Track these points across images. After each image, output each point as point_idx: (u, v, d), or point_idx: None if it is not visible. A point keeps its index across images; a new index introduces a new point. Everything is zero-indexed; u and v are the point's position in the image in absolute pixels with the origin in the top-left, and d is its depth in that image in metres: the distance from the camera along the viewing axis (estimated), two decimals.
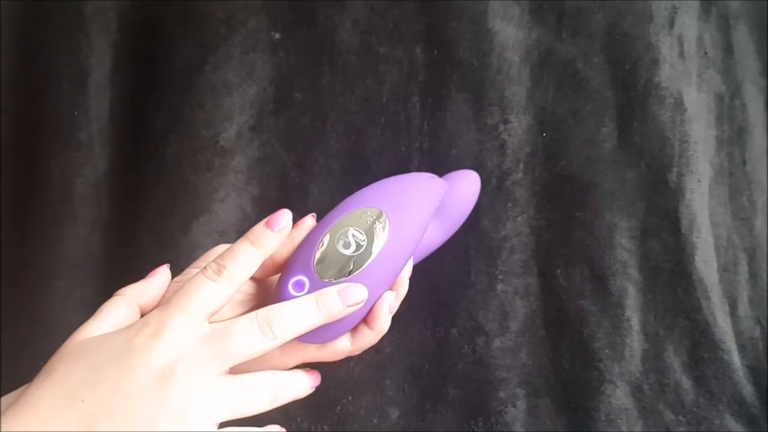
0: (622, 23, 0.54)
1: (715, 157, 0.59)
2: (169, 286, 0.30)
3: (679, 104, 0.54)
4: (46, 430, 0.23)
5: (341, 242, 0.30)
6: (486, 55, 0.52)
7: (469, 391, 0.51)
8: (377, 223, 0.30)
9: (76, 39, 0.53)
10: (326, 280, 0.29)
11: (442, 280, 0.52)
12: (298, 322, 0.27)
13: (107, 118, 0.54)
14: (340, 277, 0.29)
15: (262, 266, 0.29)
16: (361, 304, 0.29)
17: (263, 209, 0.52)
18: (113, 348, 0.25)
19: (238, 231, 0.52)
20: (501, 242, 0.52)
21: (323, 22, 0.53)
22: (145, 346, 0.25)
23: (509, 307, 0.52)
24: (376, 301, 0.30)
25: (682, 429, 0.51)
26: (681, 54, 0.55)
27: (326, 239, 0.30)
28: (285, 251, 0.31)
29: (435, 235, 0.39)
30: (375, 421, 0.50)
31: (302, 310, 0.27)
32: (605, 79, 0.54)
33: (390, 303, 0.30)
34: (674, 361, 0.54)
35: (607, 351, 0.52)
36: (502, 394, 0.51)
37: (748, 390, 0.54)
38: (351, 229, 0.30)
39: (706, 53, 0.58)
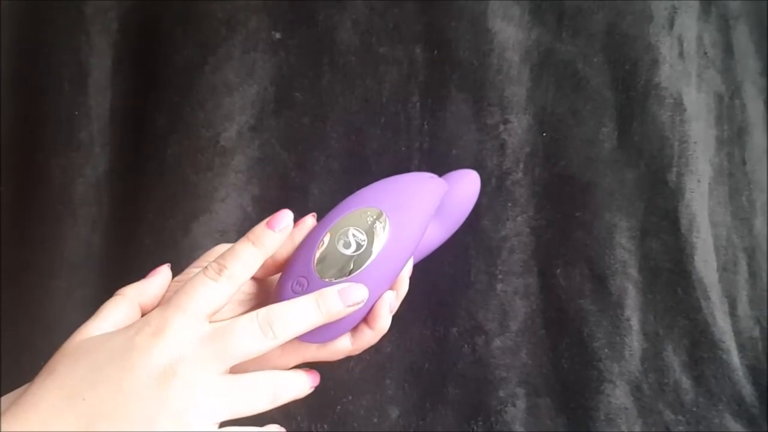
0: (622, 23, 0.54)
1: (715, 157, 0.59)
2: (169, 285, 0.30)
3: (678, 104, 0.54)
4: (46, 429, 0.23)
5: (341, 242, 0.30)
6: (486, 55, 0.52)
7: (469, 391, 0.51)
8: (377, 222, 0.30)
9: (77, 39, 0.53)
10: (326, 280, 0.29)
11: (442, 280, 0.52)
12: (299, 322, 0.27)
13: (107, 118, 0.54)
14: (341, 277, 0.29)
15: (263, 266, 0.29)
16: (362, 304, 0.29)
17: (263, 209, 0.52)
18: (114, 347, 0.25)
19: (238, 231, 0.52)
20: (501, 242, 0.52)
21: (323, 22, 0.53)
22: (146, 346, 0.25)
23: (509, 307, 0.52)
24: (376, 301, 0.30)
25: (681, 428, 0.51)
26: (681, 54, 0.55)
27: (326, 239, 0.30)
28: (285, 251, 0.31)
29: (435, 234, 0.39)
30: (375, 420, 0.50)
31: (303, 310, 0.28)
32: (605, 79, 0.54)
33: (390, 303, 0.30)
34: (674, 360, 0.54)
35: (606, 350, 0.52)
36: (501, 393, 0.51)
37: (747, 389, 0.54)
38: (351, 228, 0.30)
39: (705, 53, 0.58)
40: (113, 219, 0.54)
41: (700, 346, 0.54)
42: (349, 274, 0.29)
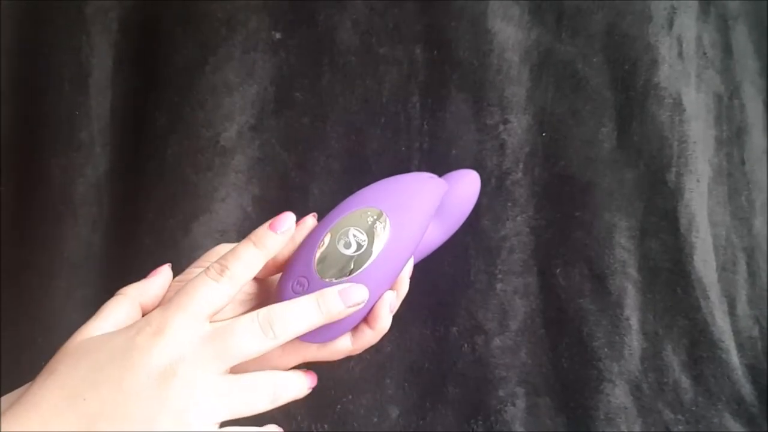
0: (622, 23, 0.54)
1: (714, 157, 0.59)
2: (170, 285, 0.30)
3: (678, 104, 0.54)
4: (47, 429, 0.23)
5: (342, 242, 0.30)
6: (486, 55, 0.52)
7: (469, 390, 0.51)
8: (378, 222, 0.30)
9: (77, 39, 0.53)
10: (327, 280, 0.29)
11: (442, 280, 0.52)
12: (299, 322, 0.27)
13: (108, 118, 0.54)
14: (341, 277, 0.29)
15: (264, 266, 0.29)
16: (362, 305, 0.29)
17: (264, 209, 0.53)
18: (115, 347, 0.25)
19: (238, 231, 0.52)
20: (500, 242, 0.52)
21: (323, 22, 0.53)
22: (147, 345, 0.25)
23: (509, 307, 0.52)
24: (376, 301, 0.30)
25: (681, 428, 0.51)
26: (680, 54, 0.55)
27: (327, 239, 0.30)
28: (286, 251, 0.31)
29: (435, 234, 0.39)
30: (375, 419, 0.50)
31: (303, 310, 0.28)
32: (604, 80, 0.54)
33: (390, 302, 0.30)
34: (673, 360, 0.54)
35: (606, 350, 0.52)
36: (501, 392, 0.51)
37: (746, 389, 0.54)
38: (352, 228, 0.30)
39: (705, 53, 0.58)
40: (113, 219, 0.54)
41: (700, 345, 0.54)
42: (349, 274, 0.29)
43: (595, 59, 0.54)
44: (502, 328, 0.52)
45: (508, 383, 0.51)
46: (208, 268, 0.28)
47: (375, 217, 0.30)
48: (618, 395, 0.51)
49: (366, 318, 0.30)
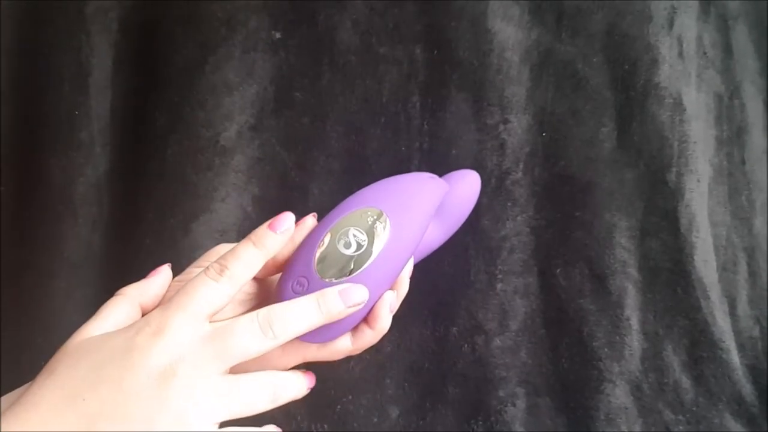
0: (622, 23, 0.54)
1: (715, 157, 0.59)
2: (170, 285, 0.30)
3: (678, 104, 0.54)
4: (47, 429, 0.23)
5: (342, 242, 0.30)
6: (486, 55, 0.52)
7: (469, 390, 0.51)
8: (378, 222, 0.30)
9: (77, 39, 0.53)
10: (327, 280, 0.29)
11: (442, 280, 0.52)
12: (299, 322, 0.27)
13: (108, 118, 0.54)
14: (341, 277, 0.29)
15: (263, 266, 0.29)
16: (362, 305, 0.29)
17: (264, 209, 0.53)
18: (114, 347, 0.25)
19: (238, 230, 0.52)
20: (501, 242, 0.52)
21: (323, 21, 0.53)
22: (146, 345, 0.25)
23: (509, 307, 0.52)
24: (376, 301, 0.30)
25: (681, 428, 0.51)
26: (680, 54, 0.55)
27: (327, 239, 0.30)
28: (286, 251, 0.31)
29: (435, 234, 0.39)
30: (375, 420, 0.50)
31: (303, 310, 0.28)
32: (604, 79, 0.54)
33: (390, 303, 0.30)
34: (673, 360, 0.54)
35: (606, 350, 0.52)
36: (501, 393, 0.51)
37: (747, 389, 0.54)
38: (352, 228, 0.30)
39: (705, 53, 0.58)
40: (113, 219, 0.54)
41: (700, 345, 0.54)
42: (349, 274, 0.29)
43: (595, 59, 0.54)
44: (502, 328, 0.52)
45: (509, 383, 0.51)
46: (207, 268, 0.28)
47: (375, 217, 0.30)
48: (618, 395, 0.51)
49: (366, 318, 0.30)
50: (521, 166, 0.53)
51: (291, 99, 0.53)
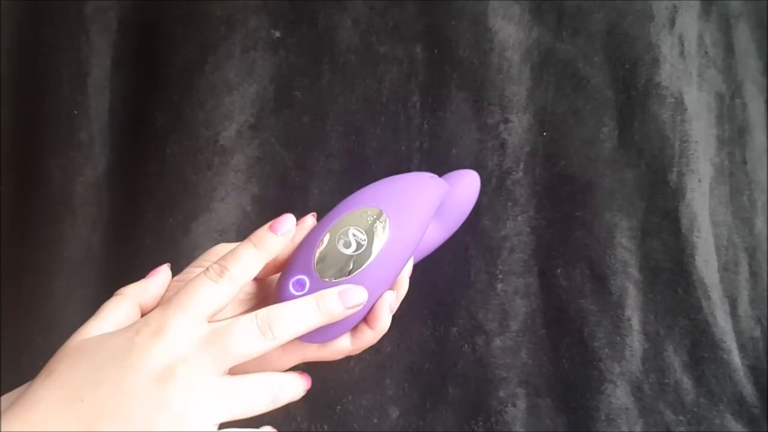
0: (623, 23, 0.54)
1: (716, 157, 0.59)
2: (169, 285, 0.30)
3: (679, 104, 0.54)
4: (46, 429, 0.23)
5: (341, 242, 0.30)
6: (486, 54, 0.52)
7: (469, 391, 0.51)
8: (377, 222, 0.30)
9: (77, 39, 0.53)
10: (327, 280, 0.29)
11: (442, 280, 0.52)
12: (299, 323, 0.27)
13: (107, 118, 0.54)
14: (341, 277, 0.29)
15: (263, 266, 0.29)
16: (361, 306, 0.29)
17: (263, 208, 0.52)
18: (114, 347, 0.25)
19: (238, 230, 0.52)
20: (501, 242, 0.52)
21: (323, 21, 0.53)
22: (146, 346, 0.25)
23: (509, 307, 0.52)
24: (376, 301, 0.30)
25: (682, 428, 0.51)
26: (681, 53, 0.55)
27: (326, 239, 0.30)
28: (286, 251, 0.31)
29: (435, 234, 0.39)
30: (375, 420, 0.50)
31: (302, 311, 0.28)
32: (605, 79, 0.54)
33: (390, 302, 0.30)
34: (674, 360, 0.54)
35: (607, 350, 0.52)
36: (502, 393, 0.51)
37: (748, 390, 0.54)
38: (351, 228, 0.30)
39: (706, 52, 0.58)
40: (113, 219, 0.54)
41: (701, 346, 0.54)
42: (349, 274, 0.29)
43: (596, 58, 0.54)
44: (502, 328, 0.52)
45: (509, 384, 0.51)
46: (207, 268, 0.28)
47: (375, 217, 0.30)
48: (619, 396, 0.51)
49: (366, 318, 0.30)
50: (522, 165, 0.53)
51: (291, 98, 0.53)
